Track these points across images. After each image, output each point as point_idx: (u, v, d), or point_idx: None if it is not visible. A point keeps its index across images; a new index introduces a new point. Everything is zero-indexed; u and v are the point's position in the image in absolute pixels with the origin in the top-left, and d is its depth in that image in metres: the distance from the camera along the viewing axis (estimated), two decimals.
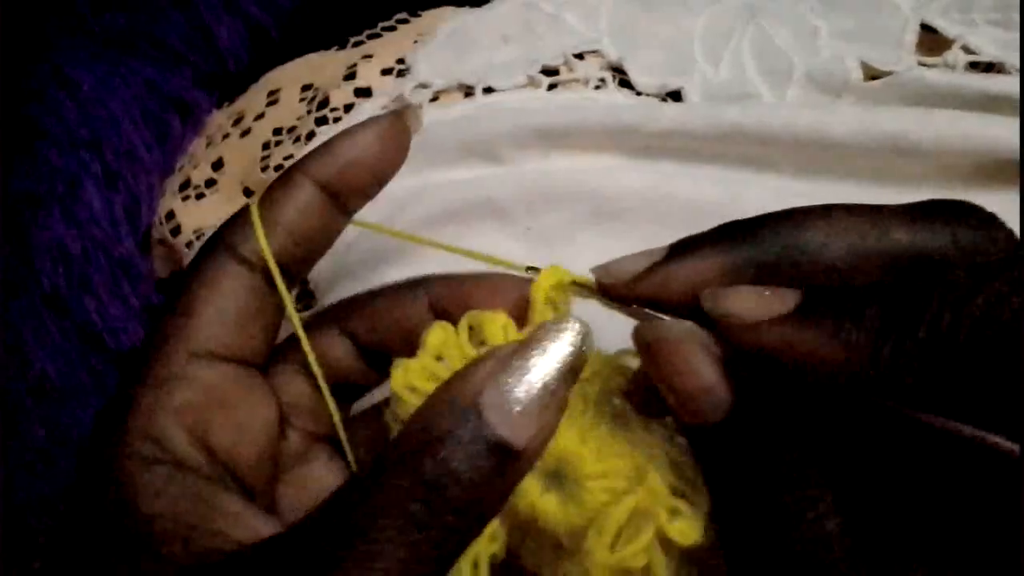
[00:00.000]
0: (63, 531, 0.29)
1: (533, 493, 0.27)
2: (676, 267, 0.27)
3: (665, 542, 0.27)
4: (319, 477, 0.33)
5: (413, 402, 0.29)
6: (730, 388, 0.25)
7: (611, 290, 0.29)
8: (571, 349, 0.26)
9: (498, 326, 0.29)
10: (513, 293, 0.31)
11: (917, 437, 0.23)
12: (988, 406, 0.21)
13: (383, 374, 0.31)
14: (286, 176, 0.31)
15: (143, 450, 0.28)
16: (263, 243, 0.30)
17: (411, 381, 0.29)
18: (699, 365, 0.25)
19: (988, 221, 0.25)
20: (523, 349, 0.26)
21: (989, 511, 0.22)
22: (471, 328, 0.30)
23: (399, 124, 0.32)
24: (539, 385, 0.25)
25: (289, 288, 0.32)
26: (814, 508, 0.24)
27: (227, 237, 0.31)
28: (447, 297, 0.32)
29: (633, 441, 0.28)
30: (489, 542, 0.27)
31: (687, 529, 0.27)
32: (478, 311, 0.30)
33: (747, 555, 0.25)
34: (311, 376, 0.32)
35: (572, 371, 0.26)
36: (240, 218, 0.31)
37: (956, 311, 0.21)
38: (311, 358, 0.31)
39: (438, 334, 0.29)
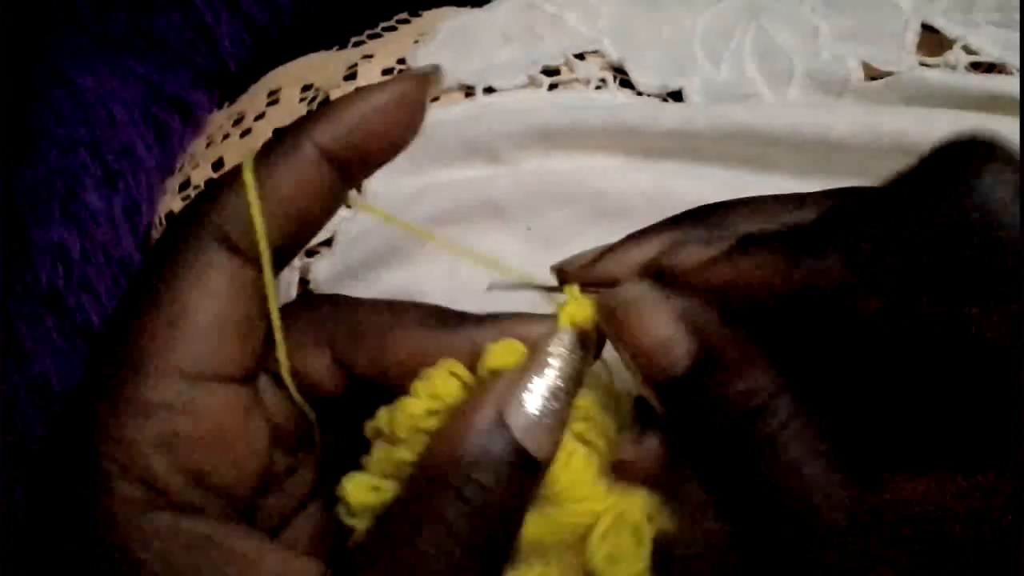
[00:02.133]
0: None
1: None
2: (624, 249, 0.29)
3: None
4: (299, 486, 0.30)
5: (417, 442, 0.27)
6: (692, 337, 0.25)
7: (568, 277, 0.29)
8: (574, 357, 0.27)
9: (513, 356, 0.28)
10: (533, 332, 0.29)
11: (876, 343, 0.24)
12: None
13: (363, 392, 0.29)
14: (285, 138, 0.27)
15: (134, 494, 0.24)
16: (261, 237, 0.26)
17: (418, 422, 0.27)
18: (658, 319, 0.26)
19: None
20: (533, 364, 0.26)
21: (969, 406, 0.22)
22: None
23: (419, 85, 0.28)
24: (551, 396, 0.26)
25: (278, 271, 0.27)
26: (788, 433, 0.24)
27: (217, 215, 0.26)
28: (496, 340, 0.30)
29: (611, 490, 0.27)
30: None
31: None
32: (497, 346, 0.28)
33: (732, 494, 0.25)
34: (285, 388, 0.28)
35: (578, 378, 0.27)
36: (228, 186, 0.26)
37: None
38: (290, 384, 0.28)
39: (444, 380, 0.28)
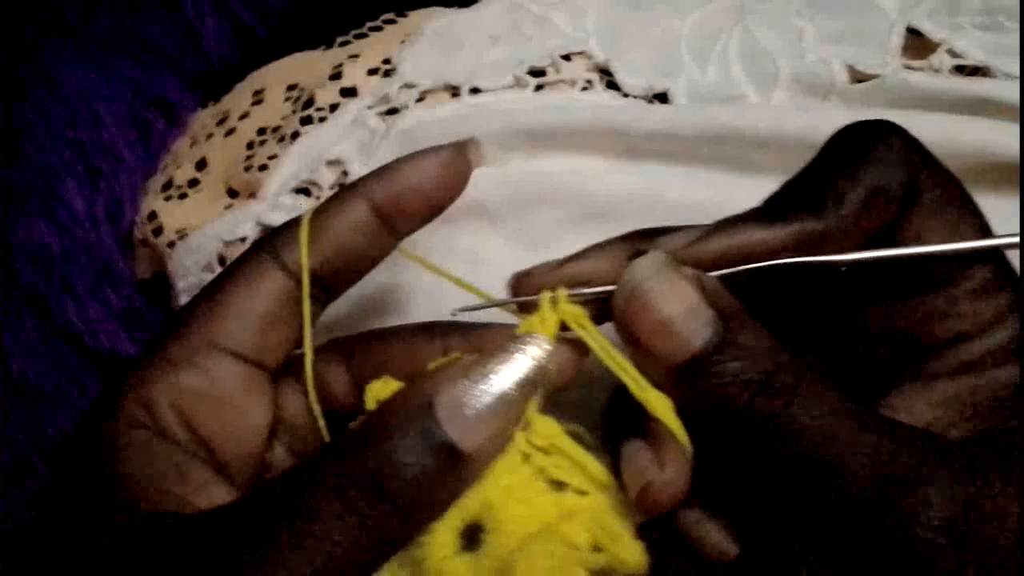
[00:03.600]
0: (53, 470, 0.32)
1: (445, 549, 0.26)
2: (589, 254, 0.31)
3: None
4: None
5: None
6: (712, 307, 0.27)
7: (535, 278, 0.31)
8: (533, 363, 0.27)
9: None
10: None
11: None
12: None
13: None
14: (342, 193, 0.32)
15: (134, 413, 0.29)
16: (303, 254, 0.31)
17: (382, 396, 0.29)
18: (682, 288, 0.27)
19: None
20: (485, 358, 0.26)
21: None
22: None
23: (460, 156, 0.32)
24: (496, 394, 0.26)
25: (326, 302, 0.33)
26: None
27: (275, 240, 0.31)
28: (461, 348, 0.31)
29: (562, 501, 0.27)
30: None
31: (637, 552, 0.27)
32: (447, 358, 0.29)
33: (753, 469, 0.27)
34: (307, 397, 0.32)
35: (532, 384, 0.27)
36: (293, 225, 0.32)
37: None
38: (310, 380, 0.32)
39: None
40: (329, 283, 0.32)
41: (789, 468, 0.26)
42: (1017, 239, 0.28)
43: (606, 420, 0.30)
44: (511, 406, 0.26)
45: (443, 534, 0.26)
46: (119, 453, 0.28)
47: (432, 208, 0.33)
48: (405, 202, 0.32)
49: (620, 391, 0.32)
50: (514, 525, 0.26)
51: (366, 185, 0.32)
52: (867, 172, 0.28)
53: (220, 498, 0.27)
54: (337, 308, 0.42)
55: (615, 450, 0.28)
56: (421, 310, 0.41)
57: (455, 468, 0.25)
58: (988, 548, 0.24)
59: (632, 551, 0.27)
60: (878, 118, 0.30)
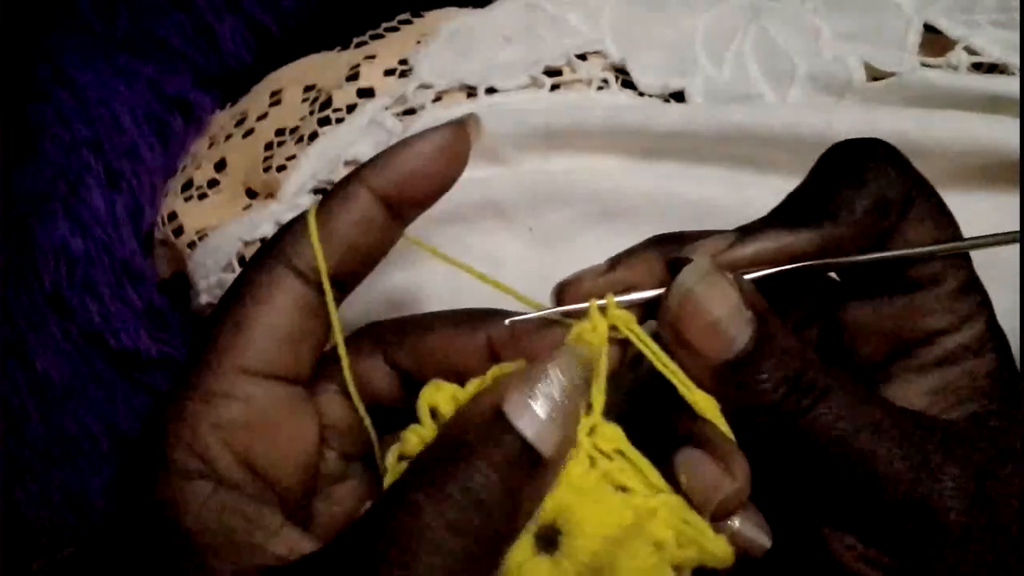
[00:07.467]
0: (101, 535, 0.30)
1: (523, 553, 0.26)
2: (624, 265, 0.31)
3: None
4: (354, 495, 0.33)
5: (429, 425, 0.29)
6: (752, 312, 0.28)
7: (583, 287, 0.31)
8: (582, 362, 0.27)
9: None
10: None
11: None
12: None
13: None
14: (343, 185, 0.31)
15: (187, 464, 0.28)
16: (320, 261, 0.30)
17: (436, 402, 0.29)
18: (727, 291, 0.28)
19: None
20: (543, 364, 0.27)
21: None
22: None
23: (460, 134, 0.32)
24: (559, 395, 0.26)
25: (341, 299, 0.32)
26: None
27: (284, 247, 0.31)
28: (509, 353, 0.31)
29: (632, 502, 0.28)
30: None
31: (724, 544, 0.28)
32: (501, 366, 0.30)
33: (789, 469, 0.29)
34: (349, 398, 0.32)
35: (585, 382, 0.27)
36: (296, 226, 0.31)
37: None
38: (352, 388, 0.31)
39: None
40: (343, 280, 0.32)
41: (822, 457, 0.28)
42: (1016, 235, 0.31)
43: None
44: (573, 405, 0.27)
45: (519, 543, 0.26)
46: (182, 512, 0.27)
47: (436, 191, 0.32)
48: (410, 188, 0.31)
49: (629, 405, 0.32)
50: (592, 527, 0.26)
51: (367, 174, 0.31)
52: (871, 183, 0.30)
53: (297, 543, 0.27)
54: (356, 307, 0.42)
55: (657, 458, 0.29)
56: (440, 307, 0.41)
57: (538, 471, 0.26)
58: (999, 515, 0.27)
59: (719, 543, 0.28)
60: (869, 137, 0.32)
